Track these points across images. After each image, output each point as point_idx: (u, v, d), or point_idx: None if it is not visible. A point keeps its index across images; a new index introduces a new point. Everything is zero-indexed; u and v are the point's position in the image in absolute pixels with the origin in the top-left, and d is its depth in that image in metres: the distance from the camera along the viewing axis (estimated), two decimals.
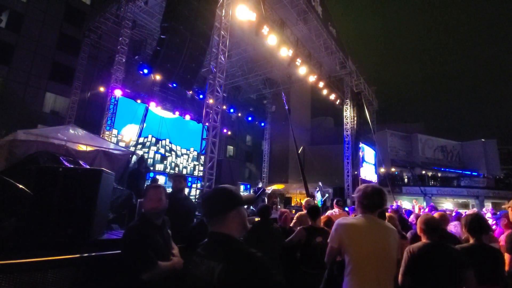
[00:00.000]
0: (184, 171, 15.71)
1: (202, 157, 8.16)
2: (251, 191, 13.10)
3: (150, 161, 13.79)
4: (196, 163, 16.24)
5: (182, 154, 15.93)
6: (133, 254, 1.72)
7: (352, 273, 1.75)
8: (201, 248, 1.11)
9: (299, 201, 16.86)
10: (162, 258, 1.78)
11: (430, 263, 2.01)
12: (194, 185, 9.63)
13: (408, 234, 3.18)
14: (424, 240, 2.19)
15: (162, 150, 14.94)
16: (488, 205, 20.14)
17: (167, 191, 2.11)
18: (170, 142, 15.21)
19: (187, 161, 16.20)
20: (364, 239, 1.77)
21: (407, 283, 2.05)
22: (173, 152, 15.49)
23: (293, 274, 3.04)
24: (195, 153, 16.36)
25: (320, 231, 3.18)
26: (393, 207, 7.48)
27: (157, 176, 12.03)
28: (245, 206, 1.32)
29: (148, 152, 14.06)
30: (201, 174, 7.91)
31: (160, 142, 14.80)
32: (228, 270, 0.97)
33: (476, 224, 2.33)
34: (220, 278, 0.96)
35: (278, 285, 1.00)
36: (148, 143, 14.25)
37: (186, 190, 8.21)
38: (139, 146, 13.30)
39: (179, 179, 3.56)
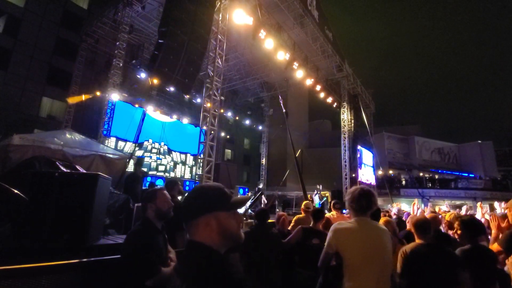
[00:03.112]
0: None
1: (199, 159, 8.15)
2: (249, 193, 13.06)
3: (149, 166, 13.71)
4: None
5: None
6: (138, 260, 1.66)
7: (350, 278, 1.74)
8: (179, 258, 0.96)
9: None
10: (162, 263, 1.77)
11: (424, 264, 2.00)
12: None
13: (401, 233, 3.19)
14: (417, 241, 2.19)
15: (162, 157, 14.81)
16: (485, 206, 20.17)
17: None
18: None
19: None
20: (360, 243, 1.78)
21: (405, 286, 2.03)
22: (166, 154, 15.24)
23: (290, 275, 3.04)
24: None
25: (317, 233, 3.18)
26: (393, 211, 7.34)
27: (152, 180, 11.95)
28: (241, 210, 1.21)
29: (148, 157, 13.98)
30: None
31: (156, 145, 14.71)
32: None
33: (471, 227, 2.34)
34: None
35: None
36: (145, 147, 14.17)
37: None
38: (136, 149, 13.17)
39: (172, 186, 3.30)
